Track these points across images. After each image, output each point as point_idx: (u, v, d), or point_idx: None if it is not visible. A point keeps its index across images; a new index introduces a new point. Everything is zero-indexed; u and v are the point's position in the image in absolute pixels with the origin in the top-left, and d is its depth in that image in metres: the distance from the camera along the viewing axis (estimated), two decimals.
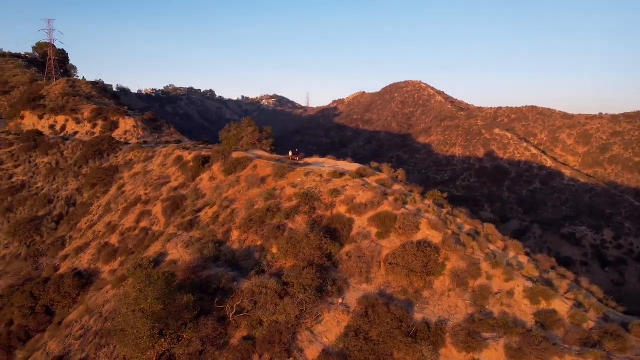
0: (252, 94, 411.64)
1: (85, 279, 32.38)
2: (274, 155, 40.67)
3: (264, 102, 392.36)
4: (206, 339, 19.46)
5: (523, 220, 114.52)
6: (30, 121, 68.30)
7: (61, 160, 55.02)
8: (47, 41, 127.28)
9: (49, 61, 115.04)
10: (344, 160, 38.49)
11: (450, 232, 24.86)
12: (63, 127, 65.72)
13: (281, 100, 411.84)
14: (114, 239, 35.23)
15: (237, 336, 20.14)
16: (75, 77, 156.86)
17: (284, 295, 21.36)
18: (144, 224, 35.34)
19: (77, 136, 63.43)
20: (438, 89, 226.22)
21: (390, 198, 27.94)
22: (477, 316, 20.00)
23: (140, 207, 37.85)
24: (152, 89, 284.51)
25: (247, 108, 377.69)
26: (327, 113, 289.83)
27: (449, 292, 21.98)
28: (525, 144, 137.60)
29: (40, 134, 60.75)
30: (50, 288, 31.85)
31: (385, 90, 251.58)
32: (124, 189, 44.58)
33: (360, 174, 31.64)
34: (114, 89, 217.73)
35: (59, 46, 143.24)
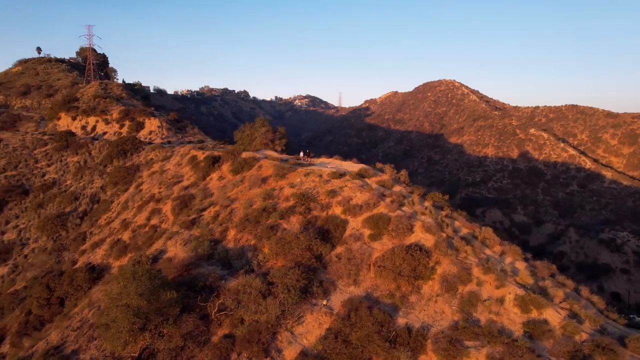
0: (286, 95, 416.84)
1: (96, 273, 33.80)
2: (282, 155, 40.95)
3: (297, 102, 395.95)
4: (187, 335, 19.84)
5: (558, 224, 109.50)
6: (64, 122, 72.21)
7: (89, 159, 57.82)
8: (91, 46, 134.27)
9: (88, 65, 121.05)
10: (350, 161, 38.19)
11: (444, 235, 24.14)
12: (94, 128, 69.02)
13: (314, 101, 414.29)
14: (125, 236, 36.58)
15: (219, 334, 20.40)
16: (115, 79, 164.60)
17: (267, 295, 21.43)
18: (154, 221, 36.47)
19: (106, 136, 66.45)
20: (473, 88, 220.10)
21: (388, 200, 27.46)
22: (462, 323, 19.29)
23: (152, 205, 39.12)
24: (188, 90, 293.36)
25: (280, 108, 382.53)
26: (358, 113, 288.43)
27: (437, 297, 21.32)
28: (562, 144, 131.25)
29: (72, 134, 64.08)
30: (64, 281, 33.47)
31: (418, 90, 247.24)
32: (141, 187, 46.24)
33: (361, 175, 31.28)
34: (151, 90, 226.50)
35: (100, 51, 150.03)
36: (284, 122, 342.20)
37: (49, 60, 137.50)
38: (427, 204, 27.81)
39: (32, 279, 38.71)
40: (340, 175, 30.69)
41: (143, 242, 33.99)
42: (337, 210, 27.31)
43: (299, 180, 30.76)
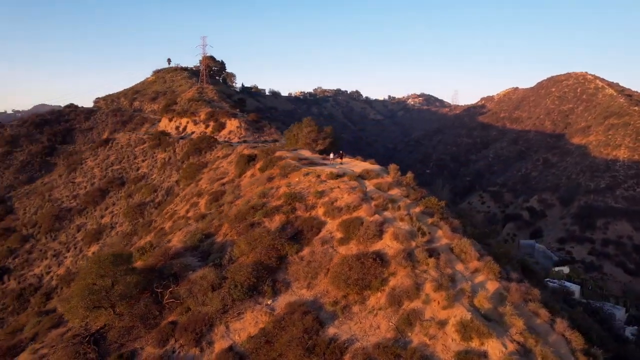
0: (399, 94, 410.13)
1: None
2: (314, 155, 41.25)
3: (410, 101, 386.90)
4: (142, 317, 21.74)
5: None
6: (164, 123, 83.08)
7: (172, 156, 65.63)
8: (207, 55, 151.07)
9: (201, 71, 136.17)
10: (367, 161, 36.71)
11: (413, 244, 22.02)
12: (184, 128, 77.98)
13: (429, 99, 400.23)
14: (167, 225, 40.88)
15: (168, 319, 21.92)
16: (234, 83, 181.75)
17: (217, 288, 22.25)
18: (190, 213, 40.01)
19: (193, 135, 74.43)
20: (611, 81, 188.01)
21: (373, 203, 25.99)
22: (385, 342, 17.52)
23: (195, 199, 42.93)
24: (301, 92, 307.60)
25: (392, 108, 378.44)
26: (472, 111, 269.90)
27: (379, 310, 19.61)
28: None
29: (165, 134, 73.40)
30: None
31: (541, 85, 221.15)
32: (199, 183, 50.89)
33: (361, 176, 30.06)
34: (267, 93, 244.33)
35: (218, 58, 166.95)
36: (395, 121, 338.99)
37: (175, 69, 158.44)
38: (416, 209, 25.53)
39: None
40: (338, 176, 29.90)
41: (174, 231, 37.57)
42: (320, 212, 26.77)
43: (297, 179, 30.86)
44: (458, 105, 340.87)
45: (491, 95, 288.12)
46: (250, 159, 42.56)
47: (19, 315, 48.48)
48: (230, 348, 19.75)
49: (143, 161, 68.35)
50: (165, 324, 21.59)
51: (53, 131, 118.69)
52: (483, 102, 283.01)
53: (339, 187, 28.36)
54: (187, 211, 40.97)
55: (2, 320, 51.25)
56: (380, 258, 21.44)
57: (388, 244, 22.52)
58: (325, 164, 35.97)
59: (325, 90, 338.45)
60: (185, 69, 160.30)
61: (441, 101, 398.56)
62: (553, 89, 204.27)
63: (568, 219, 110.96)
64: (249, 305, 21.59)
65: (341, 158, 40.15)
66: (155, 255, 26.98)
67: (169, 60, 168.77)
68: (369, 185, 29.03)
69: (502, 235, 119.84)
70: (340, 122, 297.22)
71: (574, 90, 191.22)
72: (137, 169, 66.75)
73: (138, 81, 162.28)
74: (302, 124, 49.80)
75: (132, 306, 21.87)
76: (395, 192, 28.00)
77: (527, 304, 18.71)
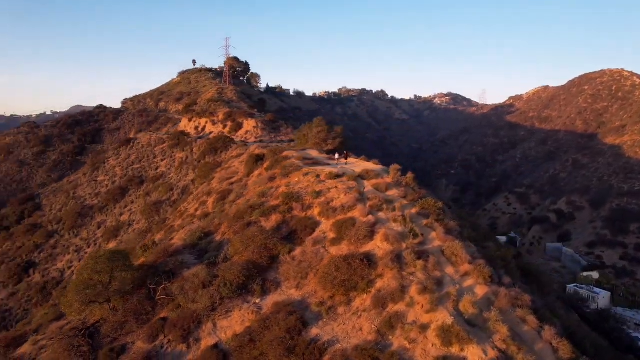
0: (426, 93, 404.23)
1: None
2: (320, 155, 41.14)
3: (437, 100, 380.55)
4: (135, 312, 22.28)
5: None
6: (184, 123, 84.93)
7: (190, 156, 67.03)
8: (231, 56, 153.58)
9: (224, 72, 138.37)
10: (371, 161, 36.29)
11: (404, 246, 21.66)
12: (203, 128, 79.48)
13: (456, 99, 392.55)
14: (177, 223, 41.72)
15: (160, 315, 22.37)
16: (258, 84, 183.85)
17: (208, 286, 22.53)
18: (198, 212, 40.72)
19: (211, 135, 75.65)
20: None
21: (368, 203, 25.70)
22: (365, 345, 17.27)
23: (204, 198, 43.65)
24: (325, 92, 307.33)
25: (418, 107, 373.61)
26: (500, 111, 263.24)
27: (363, 312, 19.37)
28: None
29: (184, 134, 75.04)
30: None
31: (572, 83, 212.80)
32: (211, 182, 51.71)
33: (361, 177, 29.79)
34: (291, 93, 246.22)
35: (243, 59, 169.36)
36: (421, 121, 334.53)
37: (200, 70, 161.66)
38: (412, 210, 25.06)
39: None
40: (338, 176, 29.74)
41: (179, 229, 38.29)
42: (315, 212, 26.70)
43: (296, 179, 30.87)
44: (486, 105, 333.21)
45: (520, 94, 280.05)
46: (259, 159, 42.90)
47: (41, 307, 50.63)
48: (216, 345, 19.98)
49: (162, 160, 70.15)
50: (156, 319, 22.04)
51: (83, 131, 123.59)
52: (511, 101, 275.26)
53: (336, 187, 28.21)
54: (196, 210, 41.72)
55: (27, 311, 53.72)
56: (368, 259, 21.20)
57: (378, 245, 22.23)
58: (329, 164, 35.85)
59: (350, 90, 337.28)
60: (210, 70, 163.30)
61: (469, 100, 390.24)
62: (586, 87, 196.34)
63: (598, 222, 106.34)
64: (237, 303, 21.76)
65: (346, 158, 39.90)
66: (156, 253, 27.61)
67: (194, 62, 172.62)
68: (368, 185, 28.74)
69: (528, 238, 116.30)
70: (365, 122, 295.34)
71: (608, 88, 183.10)
72: (156, 168, 68.56)
73: (164, 82, 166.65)
74: (312, 124, 49.79)
75: (126, 302, 22.42)
76: (393, 192, 27.59)
77: (515, 309, 18.05)
